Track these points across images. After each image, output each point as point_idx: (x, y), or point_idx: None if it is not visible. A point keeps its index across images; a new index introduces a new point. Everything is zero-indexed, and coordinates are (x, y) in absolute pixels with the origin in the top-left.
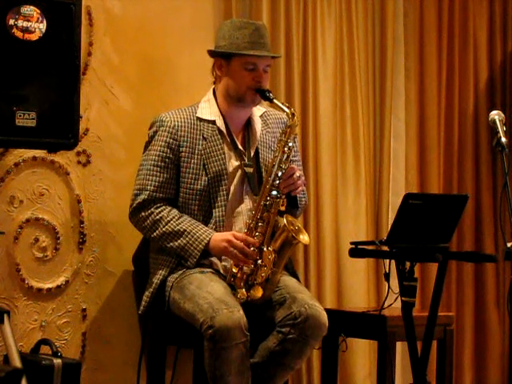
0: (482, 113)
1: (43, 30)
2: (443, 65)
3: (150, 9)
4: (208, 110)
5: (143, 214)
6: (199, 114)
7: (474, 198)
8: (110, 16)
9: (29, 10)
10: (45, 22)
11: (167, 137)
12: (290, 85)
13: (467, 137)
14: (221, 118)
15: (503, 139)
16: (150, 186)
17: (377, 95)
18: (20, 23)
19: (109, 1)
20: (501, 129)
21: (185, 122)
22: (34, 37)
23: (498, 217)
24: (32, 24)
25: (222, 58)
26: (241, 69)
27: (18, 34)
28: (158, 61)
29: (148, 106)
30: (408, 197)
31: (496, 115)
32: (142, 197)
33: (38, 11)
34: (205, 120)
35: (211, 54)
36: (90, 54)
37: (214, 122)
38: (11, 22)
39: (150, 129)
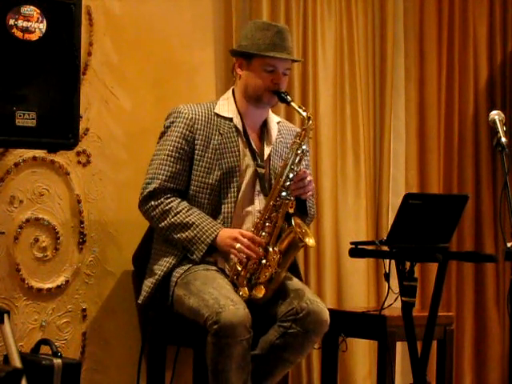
0: (481, 113)
1: (43, 30)
2: (443, 65)
3: (149, 9)
4: (226, 107)
5: (153, 203)
6: (217, 111)
7: (474, 198)
8: (110, 16)
9: (29, 9)
10: (45, 22)
11: (183, 128)
12: (290, 85)
13: (467, 137)
14: (238, 116)
15: (503, 139)
16: (162, 175)
17: (377, 95)
18: (20, 23)
19: (109, 1)
20: (501, 129)
21: (202, 116)
22: (34, 37)
23: (498, 217)
24: (32, 24)
25: (242, 57)
26: (260, 70)
27: (18, 34)
28: (157, 61)
29: (148, 106)
30: (408, 197)
31: (496, 115)
32: (153, 185)
33: (38, 11)
34: (222, 116)
35: (232, 53)
36: (90, 53)
37: (231, 120)
38: (11, 22)
39: (166, 119)
